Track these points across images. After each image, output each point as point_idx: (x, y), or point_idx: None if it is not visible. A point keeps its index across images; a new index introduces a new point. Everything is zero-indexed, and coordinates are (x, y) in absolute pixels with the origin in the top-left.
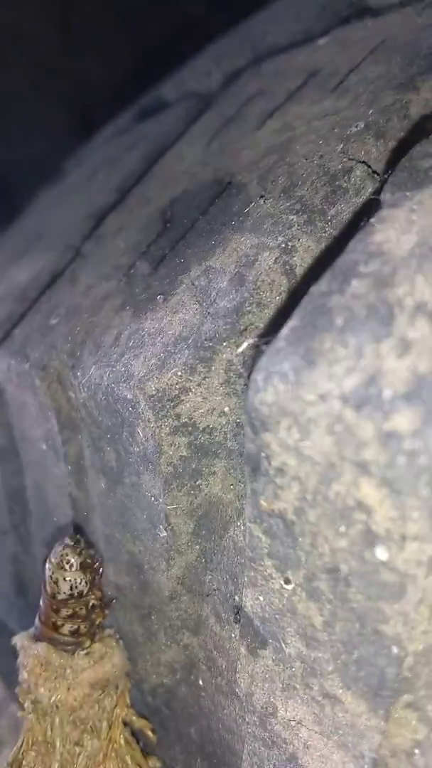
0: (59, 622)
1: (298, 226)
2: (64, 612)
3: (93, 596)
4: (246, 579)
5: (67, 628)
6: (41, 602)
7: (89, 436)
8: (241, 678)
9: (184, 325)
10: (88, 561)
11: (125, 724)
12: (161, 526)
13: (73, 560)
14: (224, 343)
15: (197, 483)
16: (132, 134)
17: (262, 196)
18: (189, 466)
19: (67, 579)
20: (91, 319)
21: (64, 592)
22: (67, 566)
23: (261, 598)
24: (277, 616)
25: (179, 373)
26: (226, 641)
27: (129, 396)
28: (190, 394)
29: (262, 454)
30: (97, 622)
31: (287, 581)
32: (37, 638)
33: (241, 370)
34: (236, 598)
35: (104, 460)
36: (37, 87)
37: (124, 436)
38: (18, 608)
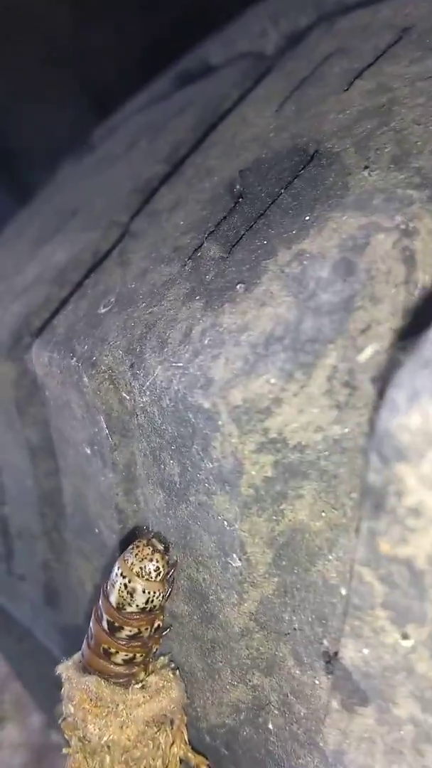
0: (113, 649)
1: (420, 203)
2: (126, 631)
3: (160, 617)
4: (347, 628)
5: (121, 656)
6: (92, 624)
7: (147, 445)
8: (329, 733)
9: (277, 322)
10: (171, 574)
11: (181, 761)
12: (234, 555)
13: (161, 568)
14: (330, 346)
15: (281, 507)
16: (175, 100)
17: (366, 167)
18: (273, 489)
19: (147, 591)
20: (150, 309)
21: (137, 605)
22: (152, 575)
23: (366, 652)
24: (387, 673)
25: (273, 381)
26: (307, 687)
27: (206, 405)
28: (284, 405)
29: (391, 489)
30: (153, 650)
31: (405, 637)
32: (84, 668)
33: (347, 379)
34: (325, 642)
35: (165, 474)
36: (48, 63)
37: (194, 449)
38: (46, 617)
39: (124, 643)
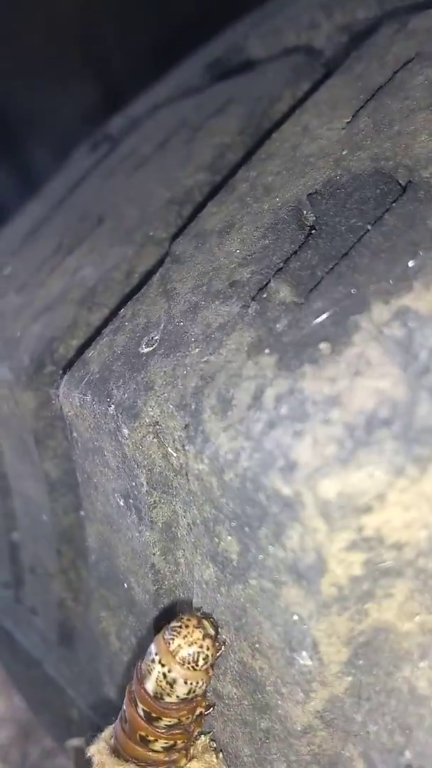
0: (151, 737)
1: None
2: (165, 721)
3: (202, 703)
4: None
5: (160, 744)
6: (126, 706)
7: (199, 514)
8: None
9: (380, 400)
10: (217, 658)
11: None
12: (304, 653)
13: (210, 657)
14: None
15: (365, 606)
16: (212, 94)
17: None
18: (359, 588)
19: (189, 682)
20: (206, 357)
21: (177, 696)
22: (199, 664)
23: None
24: None
25: (377, 475)
26: None
27: (286, 492)
28: (388, 502)
29: None
30: (195, 734)
31: None
32: (116, 752)
33: None
34: (407, 755)
35: (219, 548)
36: (52, 40)
37: (262, 532)
38: (59, 655)
39: (163, 731)
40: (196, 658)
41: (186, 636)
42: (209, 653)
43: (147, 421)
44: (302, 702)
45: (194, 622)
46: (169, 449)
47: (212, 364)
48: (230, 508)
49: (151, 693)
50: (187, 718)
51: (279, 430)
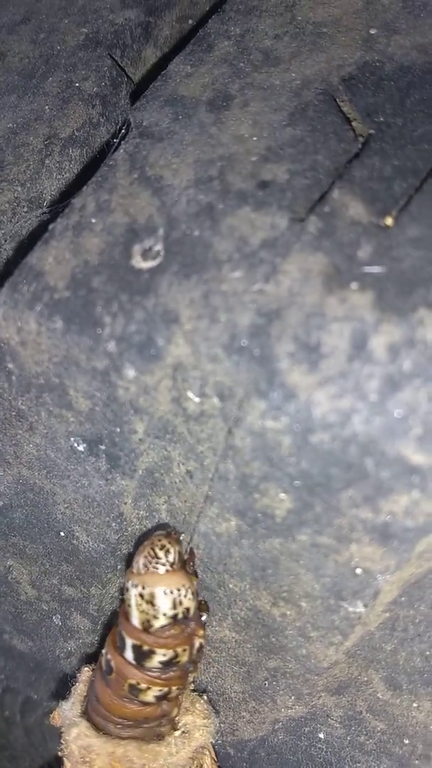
0: (143, 684)
1: None
2: (160, 656)
3: (200, 632)
4: None
5: (153, 692)
6: (110, 659)
7: (235, 469)
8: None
9: None
10: (192, 564)
11: None
12: (359, 602)
13: (173, 553)
14: None
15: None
16: None
17: None
18: None
19: (168, 590)
20: (258, 285)
21: (164, 614)
22: (164, 564)
23: None
24: None
25: None
26: (395, 708)
27: (418, 460)
28: None
29: None
30: (191, 681)
31: None
32: (99, 725)
33: None
34: None
35: (256, 504)
36: None
37: (345, 494)
38: None
39: (156, 673)
40: (156, 559)
41: (142, 550)
42: (171, 549)
43: (169, 362)
44: (338, 643)
45: (146, 541)
46: (190, 394)
47: (272, 297)
48: (301, 467)
49: (139, 624)
50: (185, 650)
51: (407, 392)
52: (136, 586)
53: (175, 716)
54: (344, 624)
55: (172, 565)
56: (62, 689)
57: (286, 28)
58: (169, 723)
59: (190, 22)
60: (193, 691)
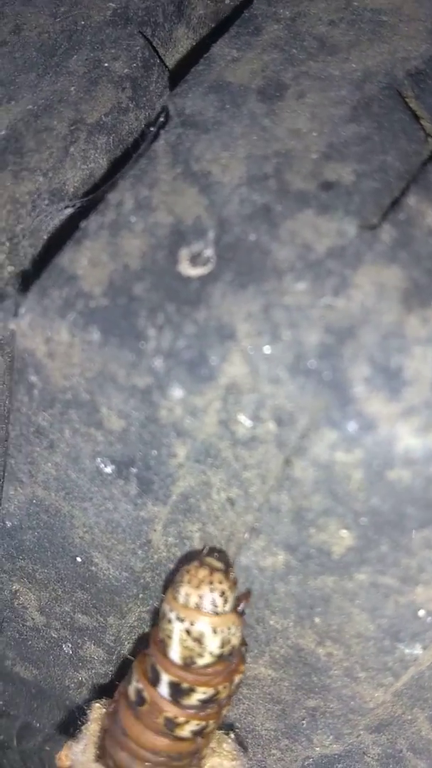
0: (181, 718)
1: None
2: (199, 694)
3: (241, 667)
4: None
5: (190, 727)
6: (140, 688)
7: (291, 502)
8: None
9: None
10: (243, 606)
11: None
12: (418, 644)
13: (227, 591)
14: None
15: None
16: None
17: None
18: None
19: (218, 629)
20: (327, 300)
21: (211, 653)
22: (217, 603)
23: None
24: None
25: None
26: None
27: None
28: None
29: None
30: (224, 714)
31: None
32: (109, 755)
33: None
34: None
35: (312, 539)
36: None
37: (419, 535)
38: None
39: (194, 711)
40: (213, 599)
41: (190, 580)
42: (225, 587)
43: (222, 382)
44: (387, 685)
45: (195, 564)
46: (241, 417)
47: (343, 313)
48: (370, 504)
49: (179, 659)
50: (225, 687)
51: None
52: (182, 620)
53: (204, 755)
54: (398, 665)
55: (224, 602)
56: (68, 719)
57: (342, 14)
58: (197, 763)
59: (228, 1)
60: (218, 729)
